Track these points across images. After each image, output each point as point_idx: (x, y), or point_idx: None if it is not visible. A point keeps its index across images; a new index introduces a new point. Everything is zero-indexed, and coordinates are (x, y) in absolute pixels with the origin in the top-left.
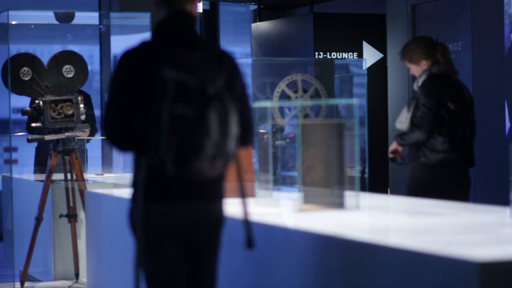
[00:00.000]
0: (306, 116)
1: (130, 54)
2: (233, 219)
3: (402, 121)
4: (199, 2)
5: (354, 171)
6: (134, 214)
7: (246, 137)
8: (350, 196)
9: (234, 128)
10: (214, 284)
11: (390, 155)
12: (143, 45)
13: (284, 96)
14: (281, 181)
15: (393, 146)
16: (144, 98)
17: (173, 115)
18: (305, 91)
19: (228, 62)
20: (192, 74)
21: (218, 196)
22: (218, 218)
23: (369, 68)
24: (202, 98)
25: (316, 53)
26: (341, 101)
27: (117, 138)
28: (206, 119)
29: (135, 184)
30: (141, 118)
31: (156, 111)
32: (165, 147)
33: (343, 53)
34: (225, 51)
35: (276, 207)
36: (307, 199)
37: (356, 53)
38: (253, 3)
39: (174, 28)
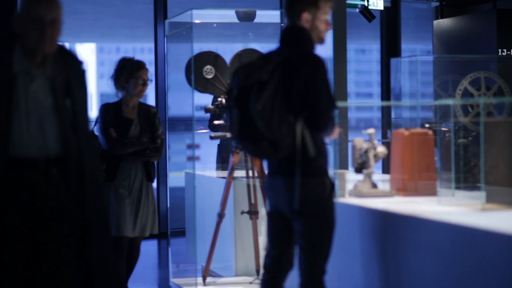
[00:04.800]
0: (489, 114)
1: None
2: (421, 219)
3: None
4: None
5: None
6: None
7: (314, 123)
8: None
9: (283, 116)
10: (309, 262)
11: None
12: None
13: (466, 94)
14: (463, 180)
15: None
16: None
17: (231, 110)
18: (488, 88)
19: (295, 63)
20: (247, 76)
21: (286, 173)
22: (289, 194)
23: None
24: (246, 93)
25: (500, 50)
26: None
27: None
28: (248, 112)
29: None
30: None
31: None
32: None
33: None
34: (298, 55)
35: (458, 206)
36: (490, 198)
37: None
38: (435, 0)
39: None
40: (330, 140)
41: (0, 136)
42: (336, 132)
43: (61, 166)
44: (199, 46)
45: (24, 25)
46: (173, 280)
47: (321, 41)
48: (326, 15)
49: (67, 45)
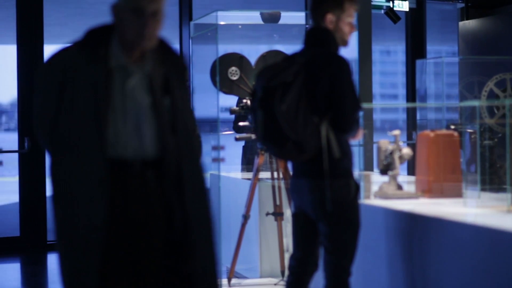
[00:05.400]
0: None
1: None
2: (446, 221)
3: None
4: (330, 16)
5: None
6: None
7: (339, 124)
8: None
9: (308, 117)
10: (334, 260)
11: None
12: None
13: (492, 95)
14: (489, 182)
15: None
16: None
17: (256, 112)
18: None
19: (319, 64)
20: (272, 78)
21: (311, 175)
22: (314, 195)
23: None
24: (271, 95)
25: None
26: None
27: None
28: (273, 113)
29: None
30: None
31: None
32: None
33: None
34: (323, 56)
35: (483, 208)
36: None
37: None
38: (460, 1)
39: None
40: (355, 141)
41: (98, 135)
42: (361, 133)
43: (157, 169)
44: (224, 48)
45: (123, 16)
46: None
47: (345, 43)
48: (350, 18)
49: None
